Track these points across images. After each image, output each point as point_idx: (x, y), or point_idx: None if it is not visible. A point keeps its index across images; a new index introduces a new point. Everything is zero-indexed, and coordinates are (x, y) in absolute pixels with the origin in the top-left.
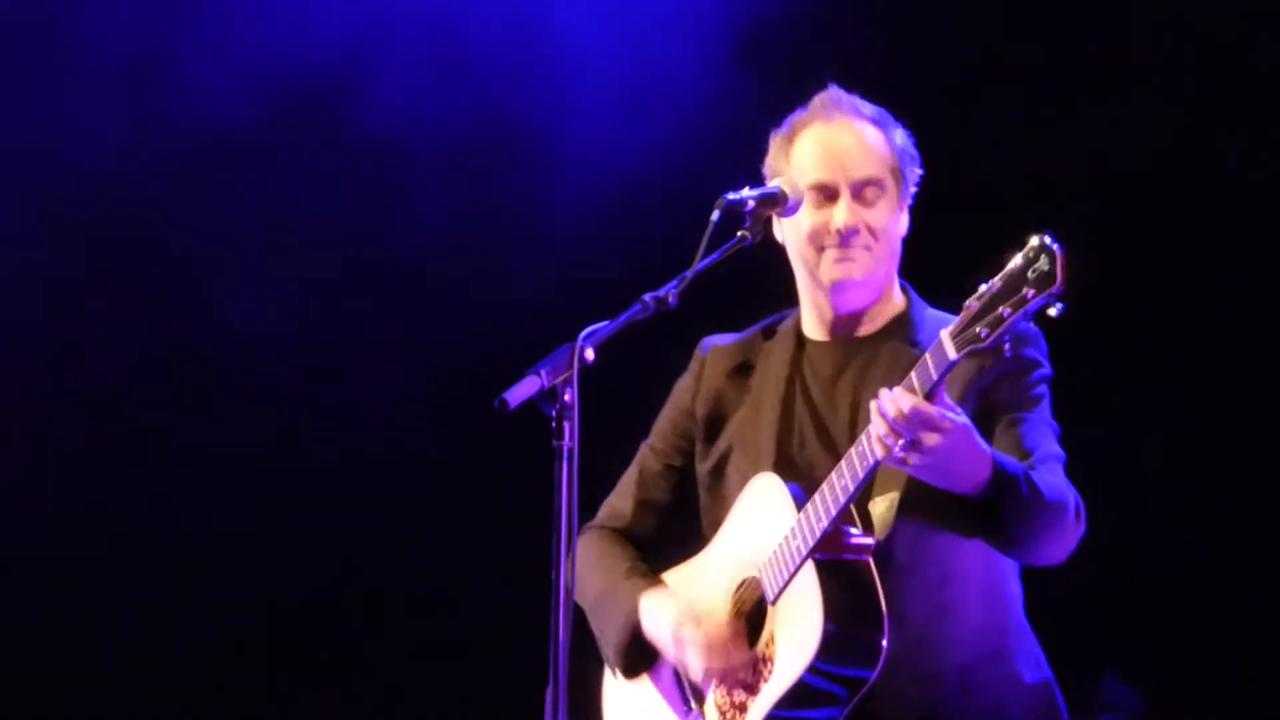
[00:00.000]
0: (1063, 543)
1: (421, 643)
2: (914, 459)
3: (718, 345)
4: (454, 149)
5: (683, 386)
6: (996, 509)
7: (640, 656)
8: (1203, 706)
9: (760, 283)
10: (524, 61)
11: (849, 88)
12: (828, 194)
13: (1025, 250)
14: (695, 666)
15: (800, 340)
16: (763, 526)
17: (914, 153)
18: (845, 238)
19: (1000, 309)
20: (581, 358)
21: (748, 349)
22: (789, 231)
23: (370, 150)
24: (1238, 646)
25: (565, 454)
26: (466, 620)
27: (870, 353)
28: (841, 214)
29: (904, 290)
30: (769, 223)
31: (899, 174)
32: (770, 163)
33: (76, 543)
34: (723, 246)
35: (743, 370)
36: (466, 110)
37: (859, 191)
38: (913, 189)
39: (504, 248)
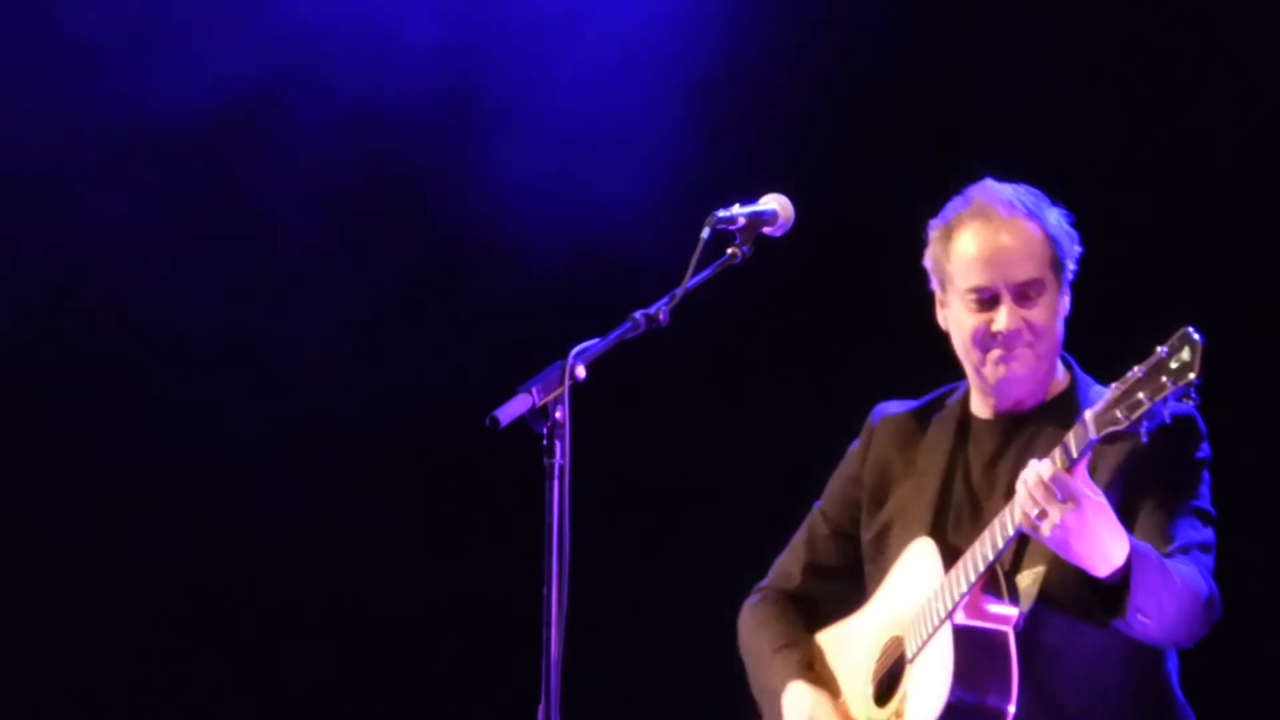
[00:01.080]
0: (1191, 632)
1: (414, 662)
2: (1046, 528)
3: (889, 415)
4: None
5: (853, 453)
6: (1125, 594)
7: None
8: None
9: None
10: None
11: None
12: (988, 296)
13: (1170, 340)
14: None
15: (966, 417)
16: (913, 587)
17: (1071, 231)
18: (1008, 341)
19: (1140, 394)
20: (572, 375)
21: (918, 421)
22: (953, 325)
23: (342, 164)
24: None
25: (556, 472)
26: (458, 639)
27: (1031, 433)
28: (1003, 319)
29: (1066, 364)
30: (759, 240)
31: (1058, 263)
32: (932, 253)
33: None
34: (713, 264)
35: (911, 443)
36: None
37: (1019, 294)
38: (1072, 268)
39: (492, 266)
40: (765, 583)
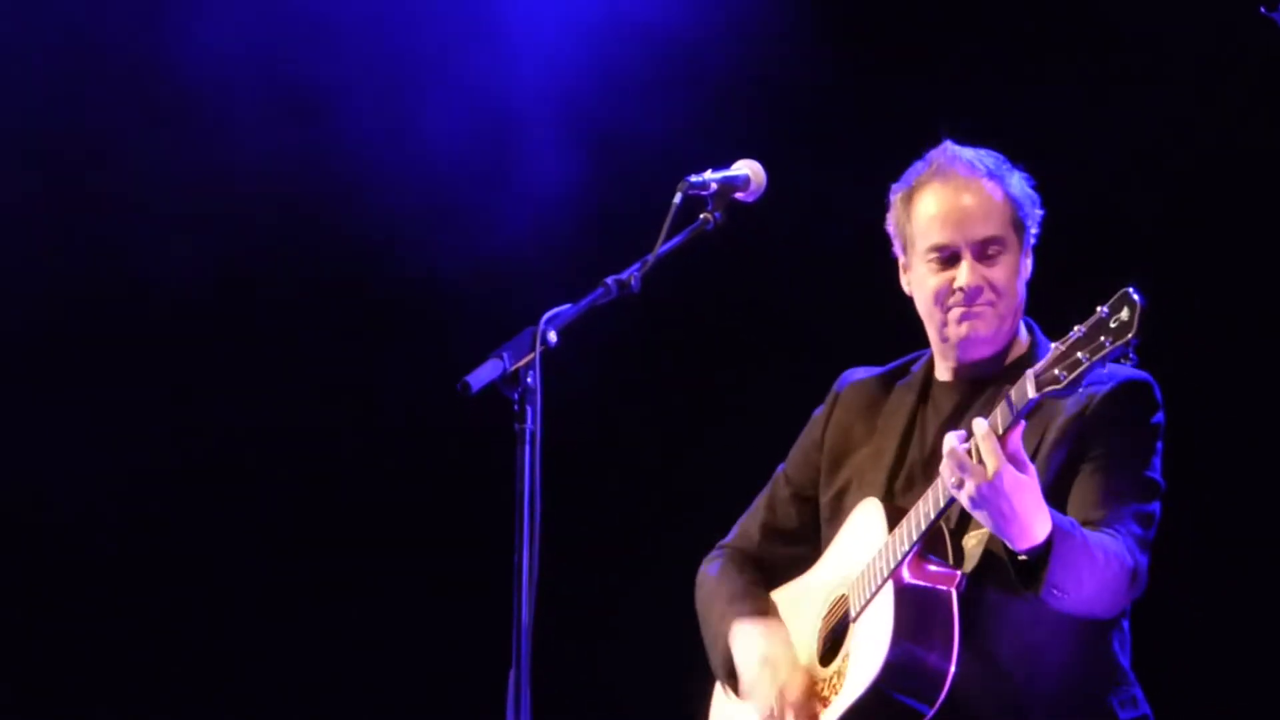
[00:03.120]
0: (1108, 606)
1: (385, 626)
2: (962, 496)
3: (854, 381)
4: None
5: (817, 419)
6: (1044, 571)
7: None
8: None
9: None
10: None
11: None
12: (948, 254)
13: (1111, 300)
14: (761, 709)
15: (929, 381)
16: (859, 547)
17: (1033, 195)
18: (969, 297)
19: (1079, 354)
20: (544, 341)
21: (882, 386)
22: (915, 287)
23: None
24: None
25: (527, 437)
26: (429, 603)
27: (990, 395)
28: (964, 275)
29: (1029, 329)
30: (731, 206)
31: (1019, 224)
32: (893, 219)
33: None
34: (685, 230)
35: (873, 408)
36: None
37: (980, 251)
38: (1034, 231)
39: (463, 233)
40: (726, 541)
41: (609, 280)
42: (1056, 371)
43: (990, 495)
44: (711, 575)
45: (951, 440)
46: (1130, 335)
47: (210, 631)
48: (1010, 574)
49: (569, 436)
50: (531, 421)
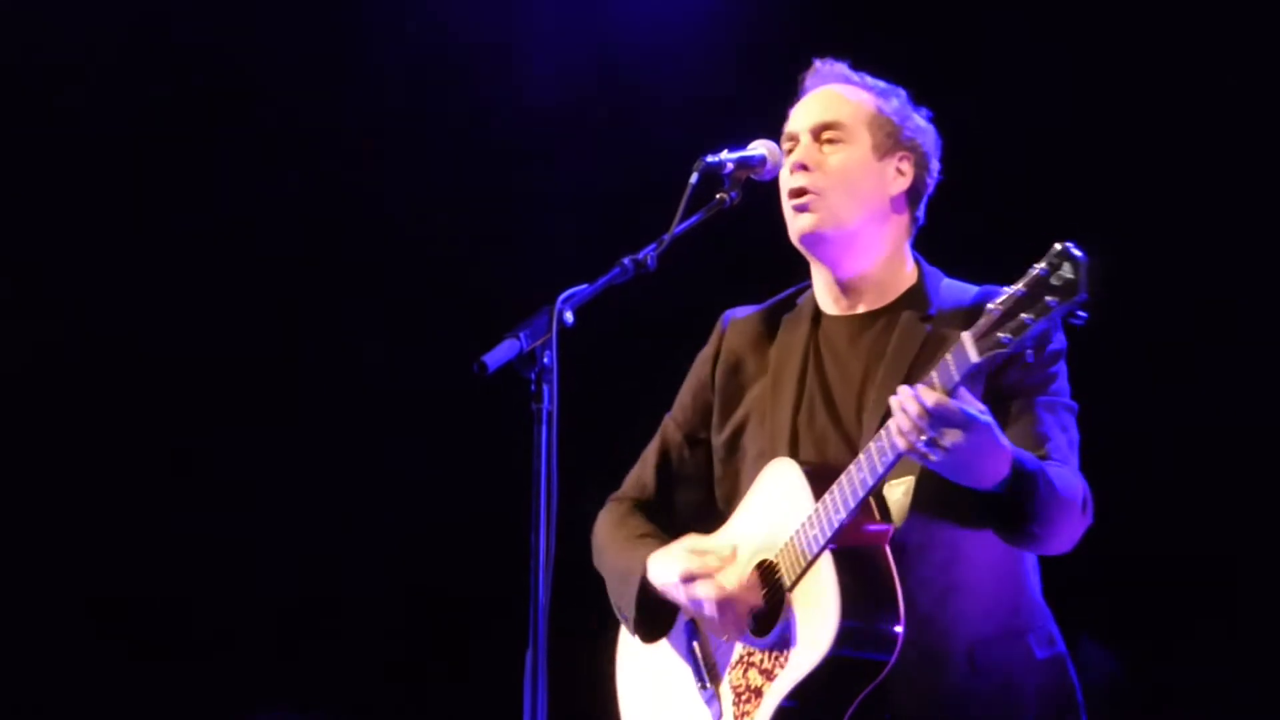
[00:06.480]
0: (1070, 535)
1: (401, 607)
2: (935, 456)
3: (737, 318)
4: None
5: (703, 358)
6: (1013, 506)
7: (655, 618)
8: (1176, 665)
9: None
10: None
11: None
12: (793, 145)
13: (1048, 256)
14: (706, 596)
15: (817, 314)
16: (780, 512)
17: (922, 126)
18: (797, 171)
19: (1022, 315)
20: (560, 320)
21: (768, 321)
22: None
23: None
24: (1210, 605)
25: (544, 417)
26: (445, 585)
27: (883, 325)
28: (795, 153)
29: (916, 262)
30: (748, 185)
31: (881, 128)
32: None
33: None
34: (701, 209)
35: (762, 342)
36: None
37: (817, 134)
38: (913, 156)
39: (480, 224)
40: (618, 494)
41: (625, 260)
42: (1000, 336)
43: (969, 453)
44: (611, 523)
45: (912, 405)
46: (1080, 295)
47: (236, 603)
48: (972, 515)
49: (586, 414)
50: (549, 401)
